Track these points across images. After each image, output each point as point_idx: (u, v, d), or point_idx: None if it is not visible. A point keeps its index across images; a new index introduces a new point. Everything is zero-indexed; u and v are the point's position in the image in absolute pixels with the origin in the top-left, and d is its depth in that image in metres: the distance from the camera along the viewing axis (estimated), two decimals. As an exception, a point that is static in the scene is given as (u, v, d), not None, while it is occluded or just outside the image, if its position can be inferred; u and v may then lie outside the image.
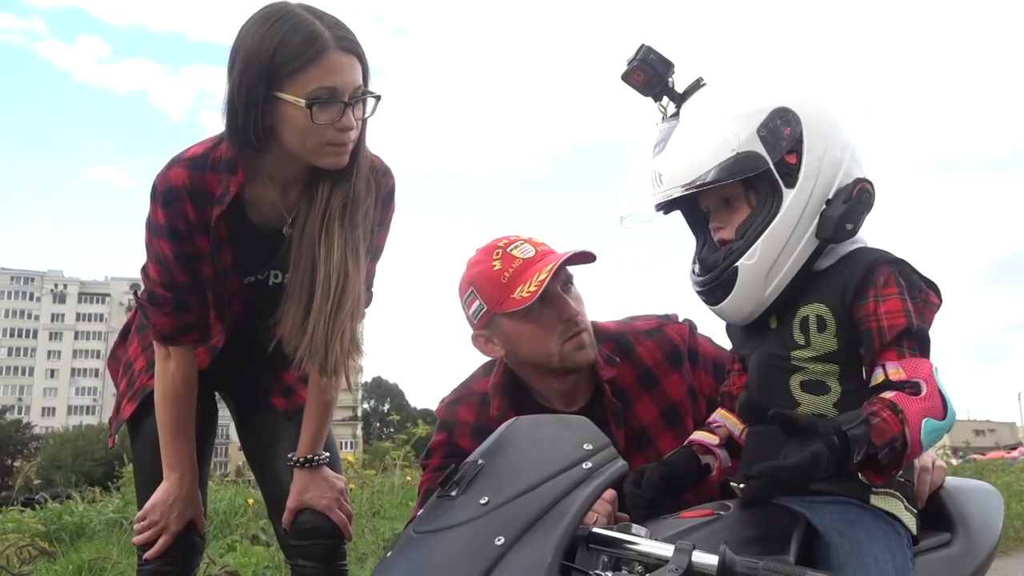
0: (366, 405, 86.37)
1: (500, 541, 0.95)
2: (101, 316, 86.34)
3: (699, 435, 1.50)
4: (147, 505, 1.76)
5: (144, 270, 1.71)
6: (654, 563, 1.00)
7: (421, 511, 1.10)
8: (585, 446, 1.04)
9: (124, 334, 1.98)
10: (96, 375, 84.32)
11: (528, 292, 1.61)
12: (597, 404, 1.75)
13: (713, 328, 1.90)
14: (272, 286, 1.76)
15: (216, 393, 1.97)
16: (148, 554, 1.75)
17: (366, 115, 1.57)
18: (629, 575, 1.02)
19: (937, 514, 1.46)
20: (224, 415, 2.05)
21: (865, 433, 1.12)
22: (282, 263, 1.73)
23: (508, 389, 1.77)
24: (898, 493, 1.31)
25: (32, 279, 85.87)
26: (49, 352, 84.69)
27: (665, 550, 1.00)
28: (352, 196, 1.62)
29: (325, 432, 1.83)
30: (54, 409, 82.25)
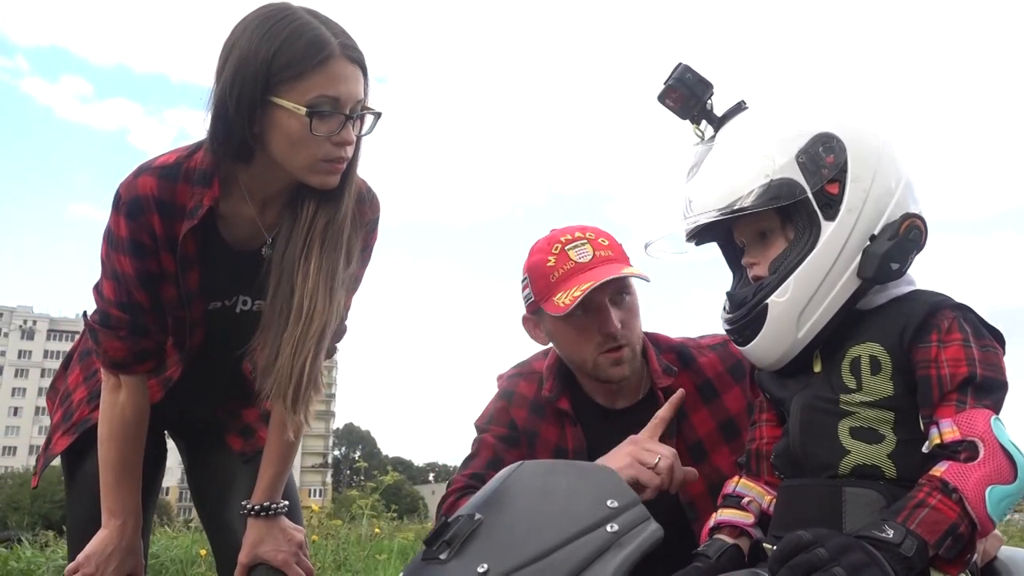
0: (336, 452, 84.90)
1: None
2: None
3: (729, 515, 1.30)
4: (80, 556, 1.52)
5: (97, 289, 1.51)
6: None
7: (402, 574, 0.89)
8: (609, 503, 0.84)
9: (66, 363, 1.76)
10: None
11: (563, 303, 1.55)
12: (647, 407, 1.61)
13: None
14: (240, 313, 1.56)
15: (165, 432, 1.76)
16: None
17: (364, 132, 1.41)
18: None
19: None
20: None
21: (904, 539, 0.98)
22: (253, 288, 1.53)
23: (561, 372, 1.72)
24: None
25: (0, 314, 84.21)
26: (14, 389, 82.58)
27: None
28: (337, 219, 1.45)
29: (285, 478, 1.62)
30: (15, 448, 79.93)
